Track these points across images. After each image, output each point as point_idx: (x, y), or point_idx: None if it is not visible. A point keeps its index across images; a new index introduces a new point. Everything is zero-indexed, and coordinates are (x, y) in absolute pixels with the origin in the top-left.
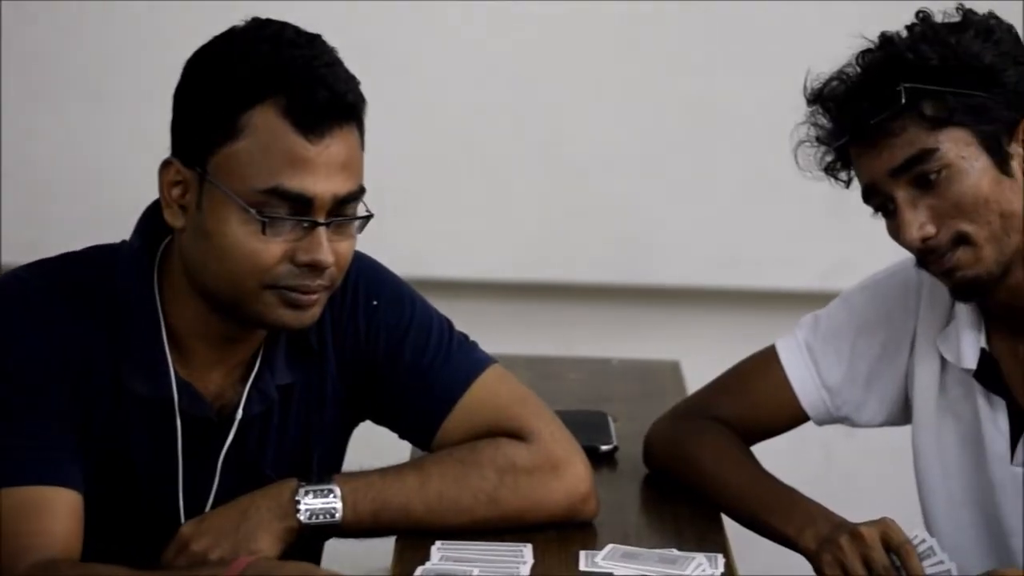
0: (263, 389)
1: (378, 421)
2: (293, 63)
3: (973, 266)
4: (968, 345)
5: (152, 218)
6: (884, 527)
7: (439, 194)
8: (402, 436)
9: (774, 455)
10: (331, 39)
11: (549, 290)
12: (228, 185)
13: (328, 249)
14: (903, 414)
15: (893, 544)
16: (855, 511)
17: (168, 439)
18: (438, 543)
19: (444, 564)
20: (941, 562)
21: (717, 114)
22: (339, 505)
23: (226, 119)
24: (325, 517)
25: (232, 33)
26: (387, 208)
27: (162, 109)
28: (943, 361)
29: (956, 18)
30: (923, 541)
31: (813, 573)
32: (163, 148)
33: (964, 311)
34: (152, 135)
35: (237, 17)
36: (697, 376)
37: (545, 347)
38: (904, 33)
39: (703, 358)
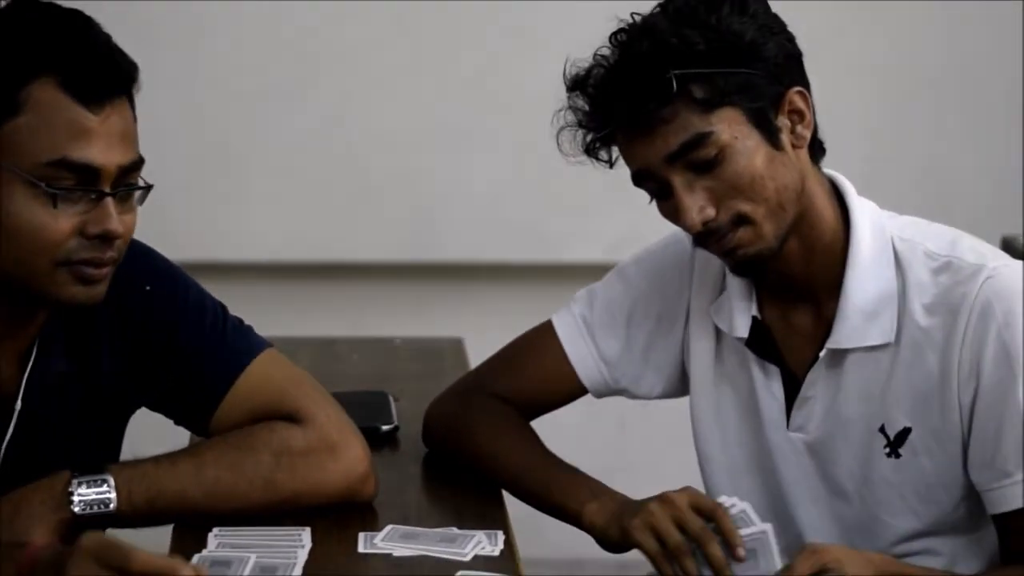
0: (42, 376)
1: (154, 408)
2: (67, 37)
3: (754, 243)
4: (740, 314)
5: None
6: (691, 493)
7: (218, 175)
8: (178, 422)
9: (567, 428)
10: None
11: (334, 270)
12: (12, 162)
13: (117, 219)
14: (681, 385)
15: (704, 508)
16: (651, 482)
17: None
18: (215, 530)
19: (221, 551)
20: (754, 525)
21: (497, 88)
22: (113, 495)
23: (4, 96)
24: (99, 507)
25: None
26: (165, 190)
27: None
28: (718, 331)
29: None
30: (733, 505)
31: (597, 549)
32: None
33: (735, 281)
34: None
35: None
36: (482, 353)
37: (331, 328)
38: (659, 13)
39: (489, 334)
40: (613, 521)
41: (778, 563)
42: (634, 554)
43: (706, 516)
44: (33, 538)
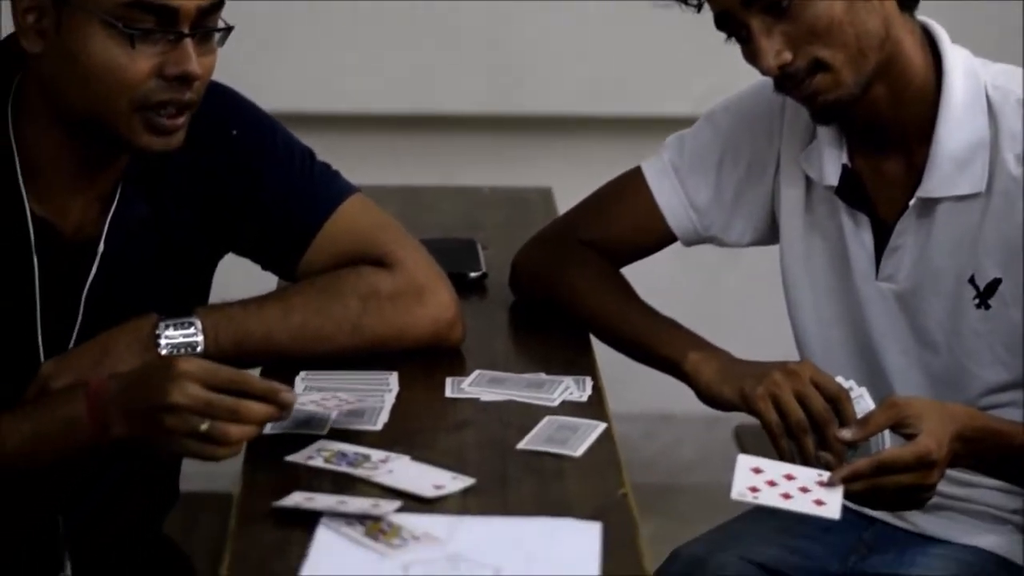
0: (124, 221)
1: (241, 252)
2: None
3: (833, 90)
4: (830, 162)
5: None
6: (813, 369)
7: (306, 26)
8: (265, 267)
9: (658, 279)
10: None
11: (422, 122)
12: (91, 3)
13: (196, 61)
14: (771, 233)
15: (825, 387)
16: (740, 337)
17: (24, 278)
18: (302, 373)
19: (309, 394)
20: (869, 410)
21: None
22: (200, 338)
23: None
24: (186, 350)
25: None
26: (253, 41)
27: None
28: (808, 180)
29: None
30: (851, 388)
31: (682, 405)
32: None
33: (825, 129)
34: None
35: None
36: (569, 203)
37: (418, 179)
38: None
39: (577, 186)
40: (724, 379)
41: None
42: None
43: (826, 396)
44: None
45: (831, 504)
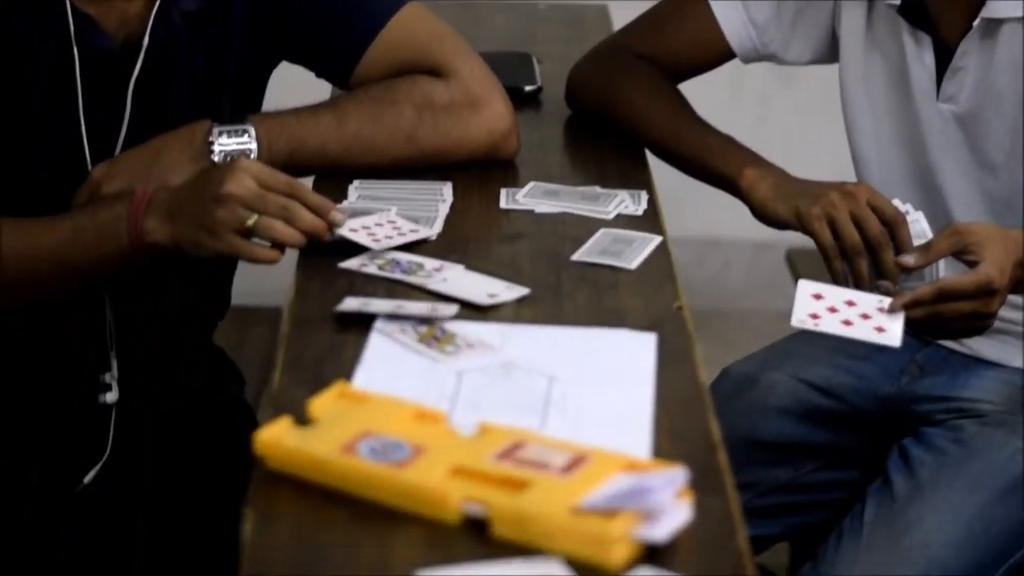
0: (170, 14)
1: (294, 59)
2: None
3: None
4: None
5: None
6: (870, 191)
7: None
8: (319, 74)
9: (710, 108)
10: None
11: None
12: None
13: None
14: (830, 52)
15: (882, 210)
16: (790, 167)
17: (67, 78)
18: (356, 182)
19: (362, 203)
20: (925, 236)
21: None
22: (253, 145)
23: None
24: (239, 158)
25: None
26: None
27: None
28: None
29: None
30: (908, 212)
31: (732, 229)
32: None
33: None
34: None
35: None
36: (624, 22)
37: None
38: None
39: (630, 3)
40: (780, 197)
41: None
42: (769, 234)
43: (882, 218)
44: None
45: (891, 331)
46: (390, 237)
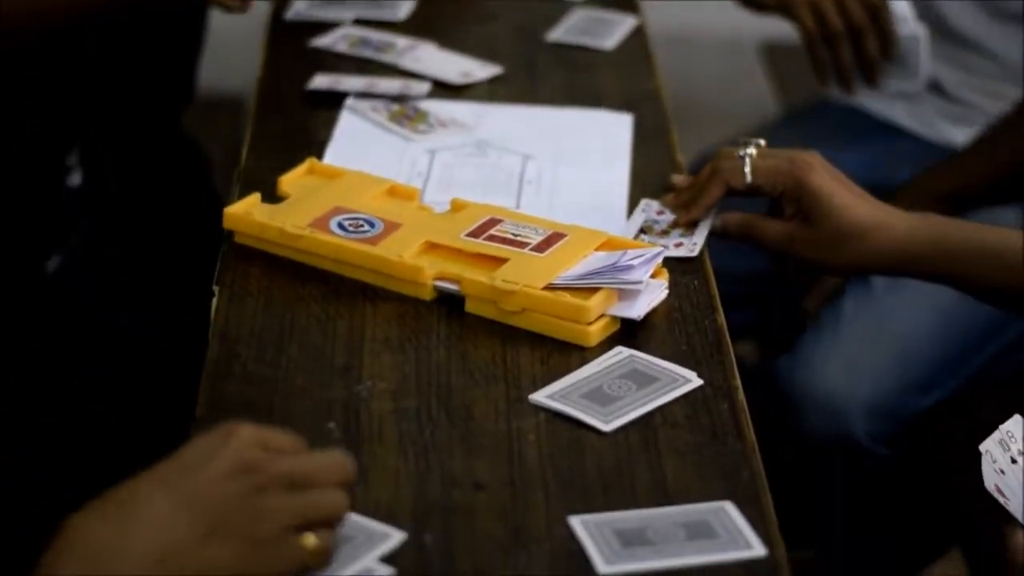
0: None
1: None
2: None
3: None
4: None
5: None
6: None
7: None
8: None
9: None
10: None
11: None
12: None
13: None
14: None
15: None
16: None
17: None
18: None
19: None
20: (909, 29)
21: None
22: None
23: None
24: None
25: None
26: None
27: None
28: None
29: None
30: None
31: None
32: None
33: None
34: None
35: None
36: None
37: None
38: None
39: None
40: None
41: (921, 76)
42: (739, 31)
43: (865, 3)
44: None
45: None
46: None
